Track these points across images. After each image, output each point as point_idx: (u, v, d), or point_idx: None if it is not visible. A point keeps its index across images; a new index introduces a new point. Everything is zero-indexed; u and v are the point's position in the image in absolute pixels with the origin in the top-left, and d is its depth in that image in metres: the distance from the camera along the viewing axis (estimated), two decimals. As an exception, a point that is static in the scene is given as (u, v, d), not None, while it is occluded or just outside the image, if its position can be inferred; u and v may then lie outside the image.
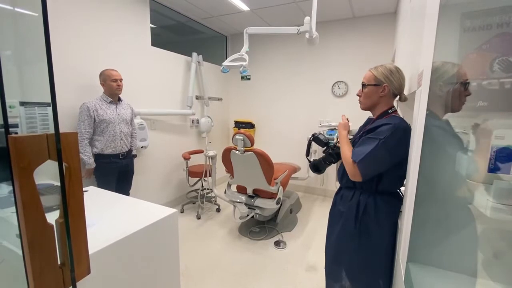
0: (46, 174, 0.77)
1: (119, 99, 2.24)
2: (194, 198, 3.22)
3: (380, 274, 1.13)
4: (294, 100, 3.93)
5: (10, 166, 0.46)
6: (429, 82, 0.75)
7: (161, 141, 3.12)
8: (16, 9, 0.72)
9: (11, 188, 0.48)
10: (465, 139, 0.81)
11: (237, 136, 2.28)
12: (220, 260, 2.20)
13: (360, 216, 1.12)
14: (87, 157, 2.03)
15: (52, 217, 0.54)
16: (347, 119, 1.25)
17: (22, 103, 1.45)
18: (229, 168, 2.53)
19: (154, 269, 1.13)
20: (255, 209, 2.46)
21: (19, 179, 0.46)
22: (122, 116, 2.21)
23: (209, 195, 3.35)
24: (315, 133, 1.34)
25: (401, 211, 1.11)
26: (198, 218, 2.99)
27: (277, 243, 2.44)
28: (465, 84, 0.80)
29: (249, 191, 2.48)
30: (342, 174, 1.21)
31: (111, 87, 2.13)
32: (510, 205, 0.66)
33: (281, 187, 2.46)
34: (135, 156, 2.48)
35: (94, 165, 2.09)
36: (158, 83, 3.03)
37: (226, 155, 2.44)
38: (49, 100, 0.48)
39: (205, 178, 3.06)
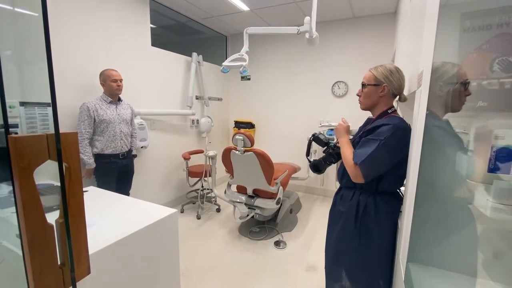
0: (46, 174, 0.77)
1: (119, 99, 2.24)
2: (194, 198, 3.22)
3: (380, 274, 1.13)
4: (294, 100, 3.93)
5: (10, 166, 0.46)
6: (429, 82, 0.75)
7: (161, 141, 3.12)
8: (16, 9, 0.72)
9: (11, 188, 0.48)
10: (465, 139, 0.81)
11: (237, 136, 2.28)
12: (220, 260, 2.20)
13: (360, 216, 1.12)
14: (87, 157, 2.03)
15: (52, 217, 0.54)
16: (345, 122, 1.25)
17: (22, 103, 1.45)
18: (229, 168, 2.53)
19: (154, 269, 1.13)
20: (255, 209, 2.46)
21: (19, 179, 0.46)
22: (122, 116, 2.21)
23: (209, 195, 3.35)
24: (316, 133, 1.34)
25: (401, 211, 1.11)
26: (198, 218, 2.99)
27: (277, 243, 2.44)
28: (465, 84, 0.80)
29: (249, 191, 2.48)
30: (342, 174, 1.21)
31: (111, 87, 2.13)
32: (510, 205, 0.66)
33: (281, 187, 2.46)
34: (135, 156, 2.48)
35: (94, 165, 2.09)
36: (158, 83, 3.03)
37: (226, 155, 2.44)
38: (49, 100, 0.48)
39: (205, 178, 3.06)
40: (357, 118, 1.75)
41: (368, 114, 1.23)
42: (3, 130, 0.48)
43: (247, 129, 4.16)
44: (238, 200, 2.54)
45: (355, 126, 1.32)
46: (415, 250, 0.82)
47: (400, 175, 1.08)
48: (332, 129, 3.21)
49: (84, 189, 1.44)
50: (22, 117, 1.48)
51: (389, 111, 1.12)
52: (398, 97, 1.15)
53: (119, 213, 1.18)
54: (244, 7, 3.13)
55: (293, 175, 3.10)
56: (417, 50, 0.97)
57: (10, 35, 0.74)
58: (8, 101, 0.50)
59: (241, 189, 2.59)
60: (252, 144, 2.31)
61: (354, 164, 1.05)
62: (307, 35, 2.15)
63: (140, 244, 1.05)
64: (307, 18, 2.09)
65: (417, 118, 0.81)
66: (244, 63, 2.21)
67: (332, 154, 1.29)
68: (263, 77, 4.13)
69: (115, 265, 0.94)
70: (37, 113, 1.53)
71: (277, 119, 4.09)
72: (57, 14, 2.03)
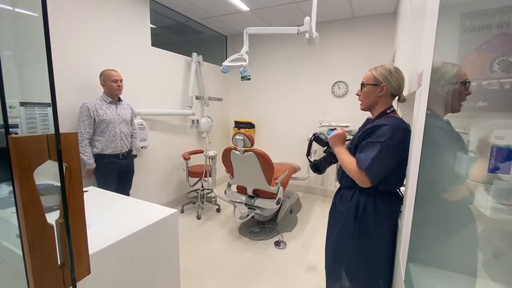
0: (46, 174, 0.77)
1: (119, 99, 2.24)
2: (194, 198, 3.22)
3: (380, 274, 1.13)
4: (294, 100, 3.93)
5: (10, 166, 0.46)
6: (429, 82, 0.75)
7: (161, 141, 3.12)
8: (16, 10, 0.72)
9: (11, 188, 0.48)
10: (465, 139, 0.81)
11: (237, 136, 2.28)
12: (220, 260, 2.20)
13: (359, 216, 1.12)
14: (87, 157, 2.03)
15: (52, 217, 0.54)
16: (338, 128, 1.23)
17: (22, 103, 1.45)
18: (229, 168, 2.53)
19: (154, 269, 1.13)
20: (255, 209, 2.46)
21: (19, 179, 0.46)
22: (122, 116, 2.21)
23: (209, 195, 3.35)
24: (316, 133, 1.34)
25: (401, 211, 1.11)
26: (198, 218, 2.99)
27: (277, 243, 2.44)
28: (465, 84, 0.80)
29: (249, 191, 2.48)
30: (341, 174, 1.21)
31: (111, 88, 2.13)
32: (510, 205, 0.66)
33: (281, 187, 2.46)
34: (135, 156, 2.48)
35: (94, 165, 2.09)
36: (158, 83, 3.03)
37: (226, 155, 2.44)
38: (49, 100, 0.48)
39: (205, 178, 3.06)
40: (357, 118, 1.75)
41: (368, 114, 1.23)
42: (3, 130, 0.48)
43: (247, 129, 4.16)
44: (238, 200, 2.54)
45: (355, 126, 1.32)
46: (415, 250, 0.82)
47: (400, 175, 1.08)
48: (332, 129, 3.21)
49: (84, 189, 1.45)
50: (22, 117, 1.48)
51: (388, 111, 1.12)
52: (397, 97, 1.15)
53: (119, 213, 1.18)
54: (244, 7, 3.13)
55: (293, 175, 3.10)
56: (417, 50, 0.97)
57: (10, 35, 0.74)
58: (8, 101, 0.50)
59: (241, 189, 2.59)
60: (252, 144, 2.31)
61: (359, 170, 1.04)
62: (307, 35, 2.15)
63: (140, 244, 1.05)
64: (307, 18, 2.09)
65: (417, 118, 0.81)
66: (244, 63, 2.21)
67: (333, 154, 1.28)
68: (263, 77, 4.13)
69: (115, 265, 0.94)
70: (37, 113, 1.53)
71: (277, 119, 4.09)
72: (57, 14, 2.03)
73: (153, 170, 3.04)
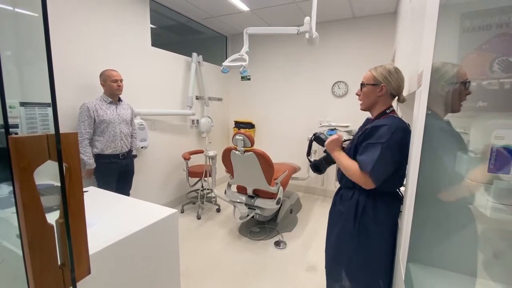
0: (46, 174, 0.77)
1: (119, 100, 2.24)
2: (194, 198, 3.22)
3: (380, 274, 1.13)
4: (294, 100, 3.93)
5: (10, 166, 0.46)
6: (429, 82, 0.75)
7: (161, 141, 3.12)
8: (16, 10, 0.72)
9: (11, 188, 0.48)
10: (465, 139, 0.81)
11: (237, 136, 2.28)
12: (220, 260, 2.20)
13: (359, 216, 1.12)
14: (87, 158, 2.03)
15: (52, 217, 0.54)
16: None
17: (22, 104, 1.45)
18: (229, 168, 2.53)
19: (154, 269, 1.13)
20: (255, 209, 2.46)
21: (19, 179, 0.46)
22: (122, 117, 2.21)
23: (209, 195, 3.35)
24: (317, 133, 1.34)
25: (401, 211, 1.12)
26: (198, 218, 2.99)
27: (277, 243, 2.44)
28: (465, 84, 0.80)
29: (249, 191, 2.48)
30: (341, 174, 1.21)
31: (111, 88, 2.13)
32: (510, 205, 0.66)
33: (281, 187, 2.46)
34: (135, 156, 2.48)
35: (94, 165, 2.09)
36: (158, 83, 3.03)
37: (226, 155, 2.44)
38: (49, 101, 0.49)
39: (205, 178, 3.06)
40: (357, 118, 1.75)
41: (368, 114, 1.23)
42: (3, 130, 0.48)
43: (247, 129, 4.16)
44: (238, 200, 2.54)
45: (355, 126, 1.32)
46: (415, 250, 0.82)
47: (400, 175, 1.08)
48: (332, 129, 3.21)
49: (84, 189, 1.44)
50: (22, 117, 1.48)
51: (388, 111, 1.12)
52: (397, 97, 1.15)
53: (119, 213, 1.18)
54: (244, 7, 3.13)
55: (293, 175, 3.10)
56: (417, 50, 0.97)
57: (11, 35, 0.75)
58: (8, 101, 0.50)
59: (241, 189, 2.59)
60: (252, 144, 2.31)
61: (362, 173, 1.04)
62: (307, 35, 2.15)
63: (140, 244, 1.05)
64: (307, 18, 2.09)
65: (417, 118, 0.81)
66: (244, 63, 2.21)
67: (332, 154, 1.28)
68: (263, 77, 4.13)
69: (115, 265, 0.94)
70: (37, 113, 1.53)
71: (277, 119, 4.09)
72: (57, 14, 2.03)
73: (153, 170, 3.04)
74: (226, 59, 2.33)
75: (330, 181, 3.77)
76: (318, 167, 1.32)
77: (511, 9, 0.71)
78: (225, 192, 2.67)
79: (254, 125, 4.24)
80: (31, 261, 0.49)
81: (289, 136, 3.99)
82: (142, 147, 2.67)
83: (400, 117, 1.12)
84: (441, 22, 0.72)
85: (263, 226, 2.72)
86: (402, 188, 1.14)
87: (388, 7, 3.06)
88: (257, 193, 2.49)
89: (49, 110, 0.49)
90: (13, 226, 0.50)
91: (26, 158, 0.46)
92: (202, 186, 3.15)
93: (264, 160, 2.24)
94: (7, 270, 0.79)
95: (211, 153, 2.82)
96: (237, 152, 2.31)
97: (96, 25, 2.31)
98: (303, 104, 3.86)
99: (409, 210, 0.82)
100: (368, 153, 1.03)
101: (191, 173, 3.09)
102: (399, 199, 1.14)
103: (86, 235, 0.60)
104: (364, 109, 1.20)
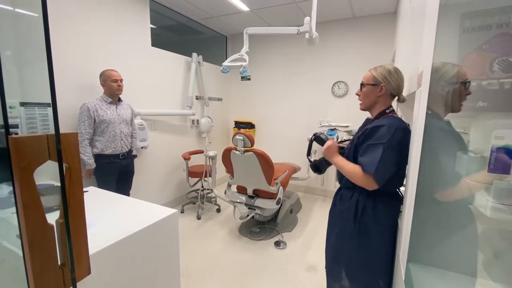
0: (46, 174, 0.77)
1: (119, 100, 2.24)
2: (194, 199, 3.22)
3: (380, 274, 1.13)
4: (294, 100, 3.93)
5: (10, 166, 0.46)
6: (429, 82, 0.75)
7: (161, 141, 3.12)
8: (16, 10, 0.72)
9: (11, 188, 0.48)
10: (465, 139, 0.81)
11: (237, 136, 2.28)
12: (220, 260, 2.20)
13: (359, 216, 1.12)
14: (87, 158, 2.03)
15: (52, 218, 0.54)
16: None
17: (22, 104, 1.45)
18: (229, 168, 2.53)
19: (154, 269, 1.13)
20: (255, 209, 2.46)
21: (19, 179, 0.46)
22: (122, 117, 2.21)
23: (209, 195, 3.35)
24: (317, 133, 1.34)
25: (401, 211, 1.11)
26: (198, 218, 2.99)
27: (277, 243, 2.44)
28: (465, 84, 0.80)
29: (249, 191, 2.48)
30: (341, 174, 1.21)
31: (112, 88, 2.13)
32: (510, 205, 0.66)
33: (281, 187, 2.46)
34: (135, 156, 2.48)
35: (94, 165, 2.09)
36: (158, 83, 3.03)
37: (226, 155, 2.44)
38: (49, 101, 0.49)
39: (205, 178, 3.06)
40: (357, 118, 1.75)
41: (368, 114, 1.23)
42: (3, 130, 0.48)
43: (247, 129, 4.16)
44: (238, 200, 2.54)
45: (355, 126, 1.32)
46: (415, 250, 0.82)
47: (400, 175, 1.08)
48: (332, 129, 3.21)
49: (84, 189, 1.44)
50: (22, 117, 1.48)
51: (387, 111, 1.12)
52: (397, 98, 1.15)
53: (119, 214, 1.18)
54: (244, 7, 3.13)
55: (293, 175, 3.10)
56: (417, 50, 0.97)
57: (11, 35, 0.75)
58: (8, 101, 0.50)
59: (241, 189, 2.59)
60: (252, 144, 2.31)
61: (365, 175, 1.04)
62: (307, 35, 2.15)
63: (140, 244, 1.05)
64: (307, 18, 2.09)
65: (417, 118, 0.81)
66: (244, 63, 2.21)
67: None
68: (263, 77, 4.13)
69: (115, 265, 0.94)
70: (37, 113, 1.53)
71: (277, 119, 4.09)
72: (57, 14, 2.03)
73: (153, 170, 3.04)
74: (226, 59, 2.33)
75: (330, 181, 3.77)
76: (318, 167, 1.33)
77: (511, 9, 0.71)
78: (225, 192, 2.67)
79: (254, 125, 4.24)
80: (31, 261, 0.49)
81: (289, 136, 3.99)
82: (142, 147, 2.67)
83: (400, 117, 1.12)
84: (441, 22, 0.72)
85: (263, 226, 2.72)
86: (402, 188, 1.14)
87: (388, 7, 3.06)
88: (257, 193, 2.49)
89: (49, 110, 0.49)
90: (13, 226, 0.50)
91: (26, 158, 0.46)
92: (202, 186, 3.15)
93: (264, 160, 2.24)
94: (7, 270, 0.79)
95: (211, 153, 2.82)
96: (237, 152, 2.31)
97: (96, 25, 2.31)
98: (303, 104, 3.86)
99: (409, 210, 0.82)
100: (370, 154, 1.03)
101: (191, 173, 3.09)
102: (399, 199, 1.14)
103: (86, 235, 0.60)
104: (363, 109, 1.20)
